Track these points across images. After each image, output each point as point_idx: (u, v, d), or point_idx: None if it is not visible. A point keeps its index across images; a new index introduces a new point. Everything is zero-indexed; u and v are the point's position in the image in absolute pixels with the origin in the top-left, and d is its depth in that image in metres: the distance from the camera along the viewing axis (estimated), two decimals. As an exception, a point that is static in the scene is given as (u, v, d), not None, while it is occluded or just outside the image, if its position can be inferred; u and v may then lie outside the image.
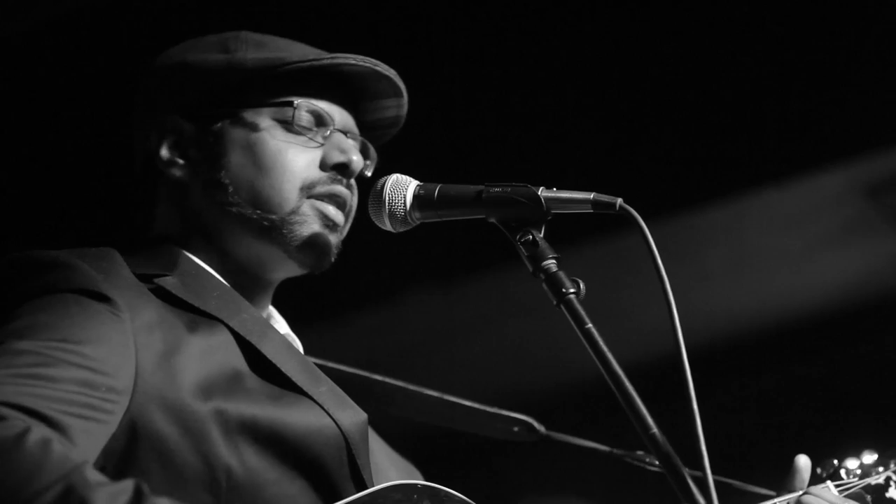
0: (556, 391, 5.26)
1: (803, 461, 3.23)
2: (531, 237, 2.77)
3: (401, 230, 2.97)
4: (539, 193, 2.80)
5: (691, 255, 5.35)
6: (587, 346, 2.63)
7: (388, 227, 2.97)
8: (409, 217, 2.94)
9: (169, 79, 3.10)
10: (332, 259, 3.07)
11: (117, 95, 3.34)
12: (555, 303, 2.69)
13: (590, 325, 2.64)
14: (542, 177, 2.87)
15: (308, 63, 3.02)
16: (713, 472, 2.47)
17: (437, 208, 2.92)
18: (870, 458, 3.44)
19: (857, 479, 3.37)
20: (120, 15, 4.62)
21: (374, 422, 2.95)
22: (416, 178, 2.97)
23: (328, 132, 3.07)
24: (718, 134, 5.17)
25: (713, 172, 5.23)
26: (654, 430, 2.53)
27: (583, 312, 2.66)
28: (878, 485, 3.38)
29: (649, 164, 5.10)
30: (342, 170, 3.05)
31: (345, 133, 3.10)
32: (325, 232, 3.04)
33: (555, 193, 2.80)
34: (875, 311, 5.53)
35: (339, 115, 3.10)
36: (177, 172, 3.06)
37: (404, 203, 2.93)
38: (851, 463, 3.41)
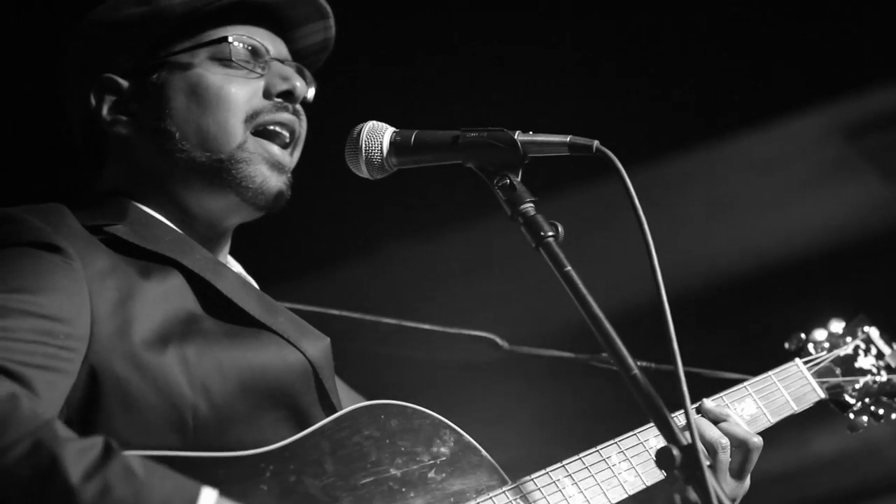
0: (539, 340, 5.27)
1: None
2: (508, 181, 2.77)
3: (378, 177, 2.97)
4: (515, 137, 2.80)
5: (671, 200, 5.36)
6: (567, 288, 2.64)
7: (365, 174, 2.97)
8: (385, 163, 2.94)
9: (97, 39, 3.10)
10: (286, 198, 3.07)
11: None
12: (533, 245, 2.70)
13: (569, 267, 2.65)
14: (520, 121, 2.86)
15: None
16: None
17: (414, 154, 2.92)
18: (837, 326, 3.46)
19: (825, 352, 3.39)
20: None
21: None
22: (392, 125, 2.96)
23: (265, 62, 3.07)
24: (697, 78, 5.16)
25: (692, 117, 5.23)
26: (636, 370, 2.54)
27: (561, 255, 2.67)
28: (846, 355, 3.41)
29: (627, 109, 5.09)
30: (287, 97, 3.06)
31: (281, 61, 3.10)
32: (274, 173, 3.03)
33: (531, 137, 2.80)
34: (855, 252, 5.54)
35: (272, 45, 3.10)
36: (122, 129, 3.06)
37: (381, 149, 2.93)
38: (819, 334, 3.44)
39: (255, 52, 3.06)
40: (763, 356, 5.38)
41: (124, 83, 3.06)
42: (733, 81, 5.19)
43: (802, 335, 3.41)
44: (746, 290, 5.56)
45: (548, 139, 2.79)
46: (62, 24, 3.22)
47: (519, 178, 2.77)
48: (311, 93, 3.16)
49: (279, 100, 3.04)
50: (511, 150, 2.78)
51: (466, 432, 2.85)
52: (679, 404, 2.47)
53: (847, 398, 3.38)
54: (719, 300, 5.51)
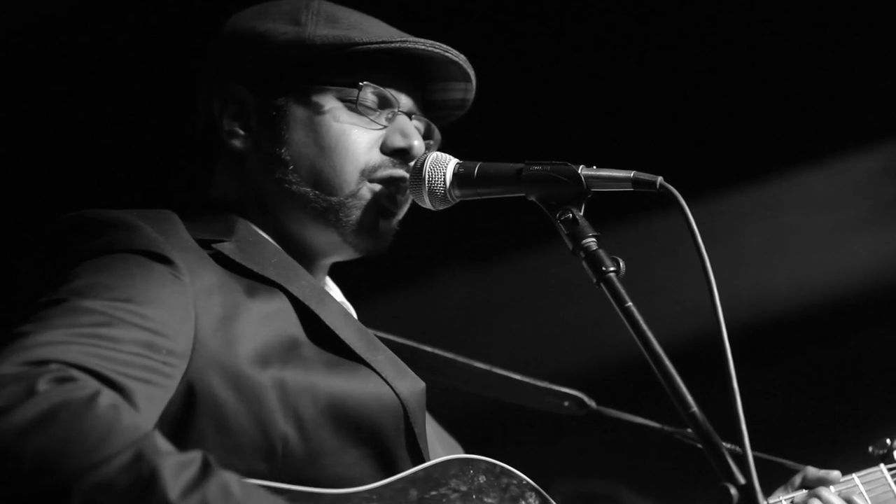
0: (595, 369, 5.26)
1: (811, 472, 3.20)
2: (571, 215, 2.77)
3: (440, 208, 2.98)
4: (579, 171, 2.80)
5: (728, 235, 5.35)
6: (627, 324, 2.63)
7: (427, 204, 2.98)
8: (448, 195, 2.95)
9: (236, 47, 3.07)
10: (388, 243, 3.07)
11: (177, 60, 3.33)
12: (595, 281, 2.70)
13: (630, 303, 2.64)
14: (581, 155, 2.86)
15: (376, 46, 2.98)
16: (752, 450, 2.47)
17: (477, 186, 2.92)
18: None
19: None
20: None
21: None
22: (455, 156, 2.97)
23: (392, 114, 3.04)
24: (756, 115, 5.15)
25: (750, 153, 5.22)
26: (695, 408, 2.53)
27: (623, 291, 2.66)
28: None
29: (687, 145, 5.09)
30: (403, 154, 3.02)
31: (409, 115, 3.07)
32: (382, 218, 3.03)
33: (595, 172, 2.80)
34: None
35: (404, 97, 3.07)
36: (237, 143, 3.05)
37: (444, 181, 2.93)
38: None
39: (383, 103, 3.04)
40: (817, 391, 5.39)
41: (250, 97, 3.04)
42: (791, 119, 5.18)
43: (888, 440, 3.37)
44: (802, 328, 5.53)
45: (612, 174, 2.79)
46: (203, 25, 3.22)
47: (581, 213, 2.78)
48: (433, 150, 3.09)
49: (394, 157, 3.02)
50: (574, 185, 2.79)
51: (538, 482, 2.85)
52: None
53: None
54: (775, 336, 5.49)
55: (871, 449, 3.36)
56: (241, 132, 3.05)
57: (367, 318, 3.11)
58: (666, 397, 2.58)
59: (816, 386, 5.41)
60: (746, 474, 2.45)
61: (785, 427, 3.48)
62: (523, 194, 2.86)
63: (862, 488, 3.22)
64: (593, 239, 2.74)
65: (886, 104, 5.17)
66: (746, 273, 5.42)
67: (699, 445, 2.37)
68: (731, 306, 2.61)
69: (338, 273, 3.19)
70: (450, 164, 2.95)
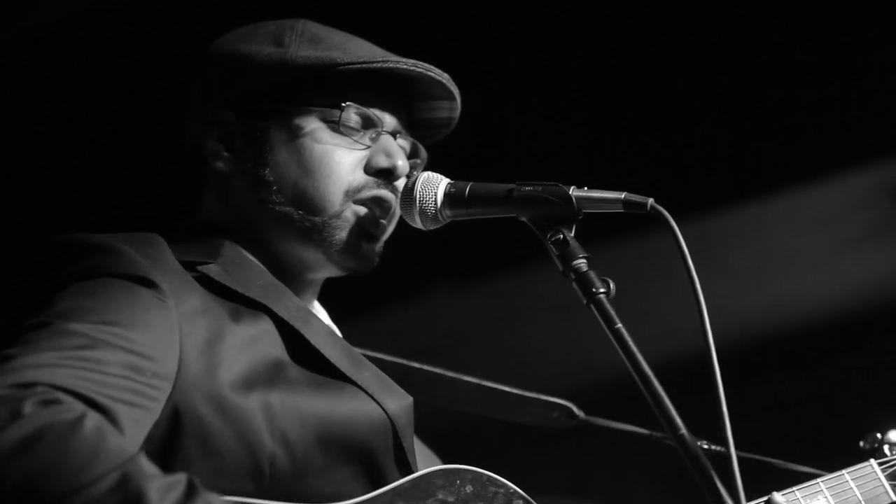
0: (582, 388, 5.26)
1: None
2: (561, 236, 2.76)
3: (431, 228, 2.97)
4: (570, 192, 2.80)
5: (718, 256, 5.35)
6: (617, 345, 2.63)
7: (418, 224, 2.97)
8: (439, 215, 2.94)
9: (220, 69, 3.07)
10: (374, 263, 3.06)
11: (163, 84, 3.33)
12: (585, 302, 2.69)
13: (619, 325, 2.63)
14: (572, 176, 2.87)
15: (358, 66, 2.97)
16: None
17: (468, 206, 2.92)
18: None
19: None
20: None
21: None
22: (447, 176, 2.97)
23: (376, 134, 3.04)
24: (746, 135, 5.16)
25: (741, 173, 5.23)
26: (684, 430, 2.53)
27: (612, 312, 2.66)
28: None
29: (676, 165, 5.11)
30: (386, 175, 3.02)
31: (394, 135, 3.07)
32: (365, 239, 3.02)
33: (586, 193, 2.80)
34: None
35: (388, 117, 3.06)
36: (221, 165, 3.05)
37: (435, 201, 2.93)
38: (894, 435, 3.38)
39: (367, 123, 3.03)
40: (806, 411, 5.40)
41: (234, 119, 3.04)
42: (782, 139, 5.20)
43: (878, 435, 3.37)
44: (793, 348, 5.54)
45: (602, 195, 2.79)
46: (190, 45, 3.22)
47: (572, 234, 2.77)
48: (419, 169, 3.11)
49: (378, 178, 3.01)
50: (565, 206, 2.78)
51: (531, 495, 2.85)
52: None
53: None
54: (765, 356, 5.50)
55: (861, 444, 3.36)
56: (226, 154, 3.05)
57: (356, 336, 3.11)
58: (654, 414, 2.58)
59: (808, 405, 5.43)
60: (735, 498, 2.45)
61: (775, 446, 3.47)
62: (514, 215, 2.86)
63: (852, 484, 3.21)
64: (584, 260, 2.73)
65: (879, 122, 5.18)
66: (737, 293, 5.43)
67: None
68: (721, 327, 2.61)
69: (327, 290, 3.18)
70: (441, 183, 2.94)
